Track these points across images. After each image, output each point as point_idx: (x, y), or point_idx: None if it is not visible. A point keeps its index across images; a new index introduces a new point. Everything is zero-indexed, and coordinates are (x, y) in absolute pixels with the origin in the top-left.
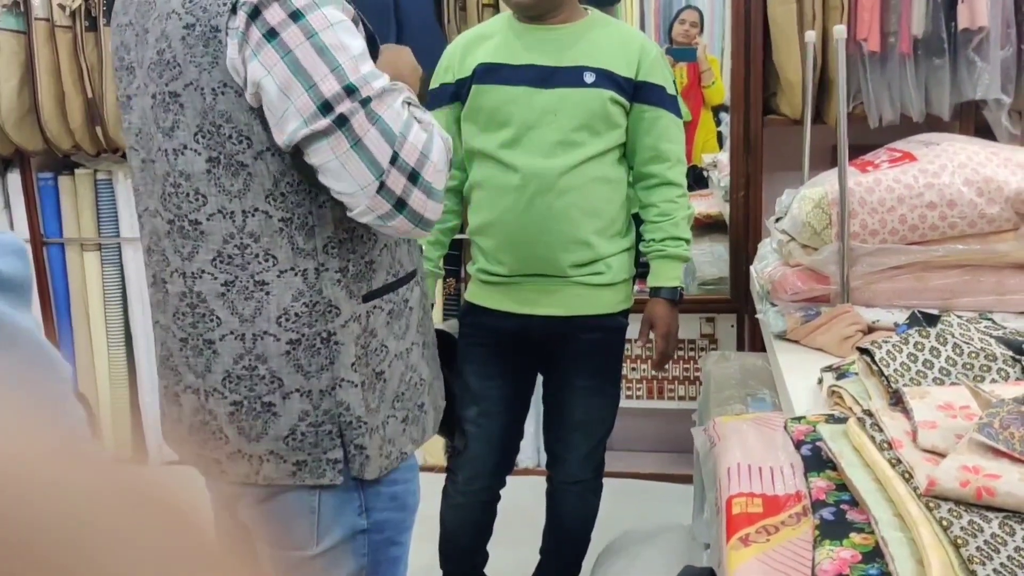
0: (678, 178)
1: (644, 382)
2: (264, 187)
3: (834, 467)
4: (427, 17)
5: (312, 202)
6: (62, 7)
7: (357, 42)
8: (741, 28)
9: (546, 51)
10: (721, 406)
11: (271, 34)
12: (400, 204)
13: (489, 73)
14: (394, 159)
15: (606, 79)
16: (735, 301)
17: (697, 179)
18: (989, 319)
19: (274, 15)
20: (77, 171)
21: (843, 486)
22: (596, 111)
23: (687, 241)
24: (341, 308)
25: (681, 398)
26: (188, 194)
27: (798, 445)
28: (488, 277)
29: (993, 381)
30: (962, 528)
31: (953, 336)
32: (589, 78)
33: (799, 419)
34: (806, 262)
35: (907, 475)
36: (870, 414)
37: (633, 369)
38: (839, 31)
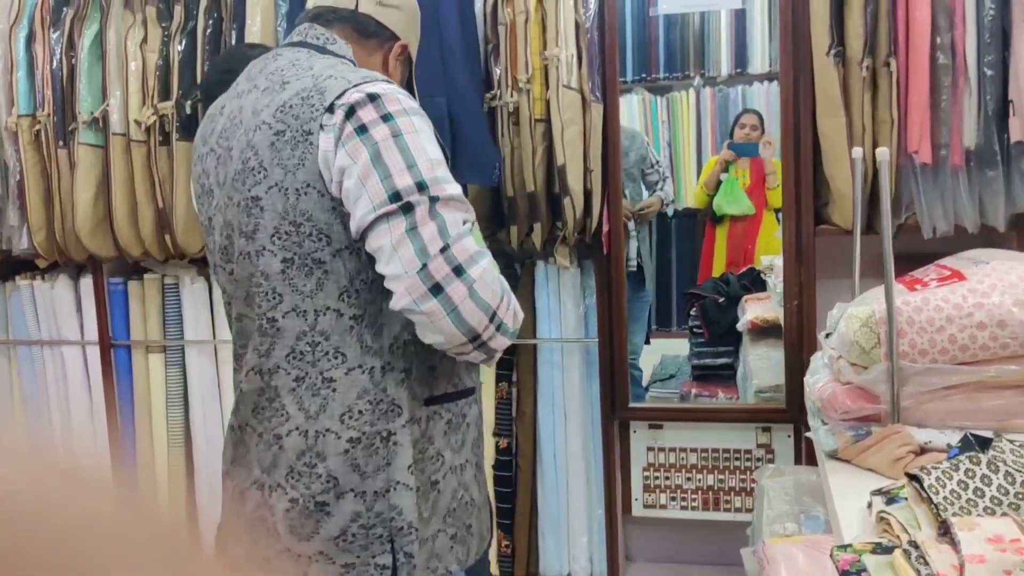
0: None
1: (699, 492)
2: (339, 284)
3: None
4: (481, 131)
5: (383, 300)
6: (138, 123)
7: (436, 150)
8: (790, 138)
9: None
10: (773, 523)
11: (361, 129)
12: (436, 288)
13: None
14: (444, 250)
15: None
16: (791, 411)
17: (754, 281)
18: None
19: (367, 114)
20: (146, 276)
21: None
22: None
23: None
24: (403, 408)
25: (737, 510)
26: (267, 293)
27: (843, 574)
28: None
29: None
30: None
31: (1005, 463)
32: None
33: (845, 547)
34: (856, 380)
35: None
36: (916, 545)
37: (688, 479)
38: (882, 153)
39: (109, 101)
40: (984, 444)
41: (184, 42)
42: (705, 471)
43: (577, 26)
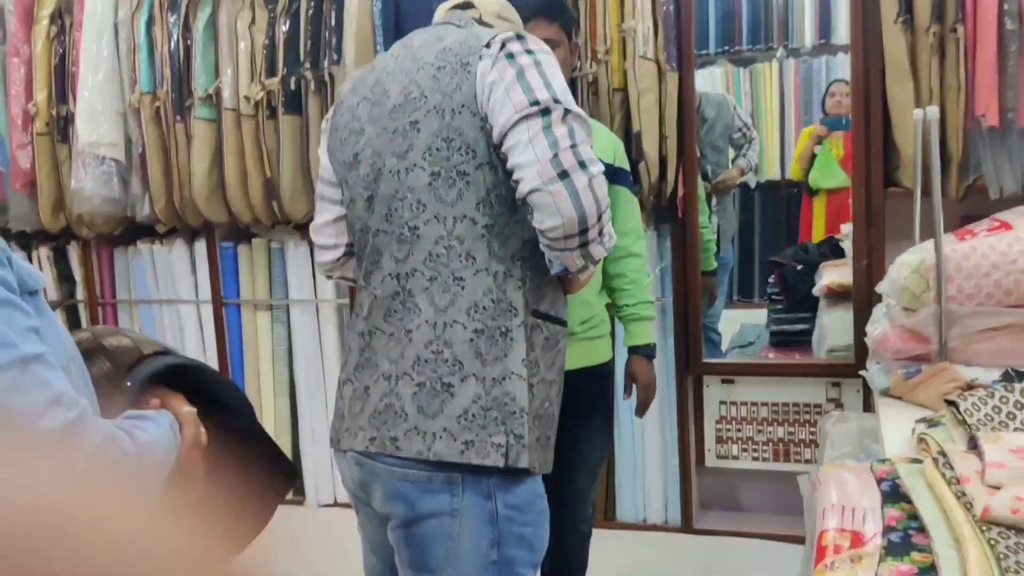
0: (640, 250)
1: (770, 444)
2: (477, 195)
3: (908, 500)
4: None
5: (511, 215)
6: (247, 99)
7: (565, 84)
8: (861, 104)
9: None
10: (834, 461)
11: (509, 55)
12: (564, 174)
13: None
14: (572, 146)
15: None
16: (859, 365)
17: (833, 249)
18: None
19: (515, 47)
20: (254, 240)
21: (914, 516)
22: None
23: (652, 303)
24: (518, 310)
25: (807, 461)
26: (411, 205)
27: (879, 482)
28: None
29: None
30: (1007, 546)
31: None
32: None
33: (884, 461)
34: (907, 323)
35: (968, 505)
36: (944, 454)
37: (759, 431)
38: (931, 112)
39: (221, 79)
40: (1022, 377)
41: (288, 23)
42: (776, 424)
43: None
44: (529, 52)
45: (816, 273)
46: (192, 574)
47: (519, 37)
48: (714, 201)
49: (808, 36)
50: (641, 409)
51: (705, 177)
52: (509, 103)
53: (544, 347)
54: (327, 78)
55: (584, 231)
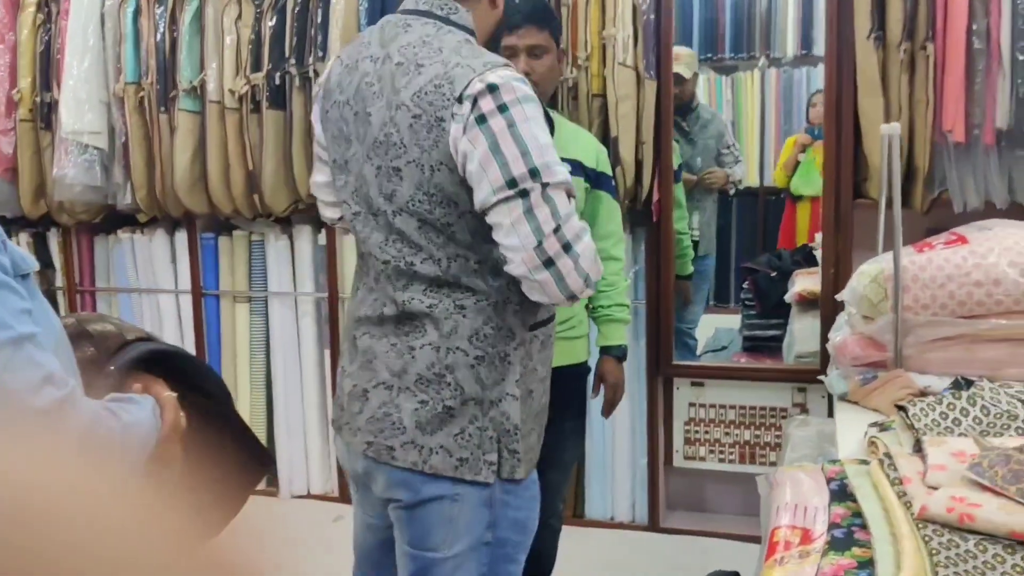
0: (620, 253)
1: (737, 447)
2: (466, 239)
3: (854, 499)
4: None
5: (499, 249)
6: (232, 92)
7: (544, 134)
8: (832, 117)
9: None
10: (793, 464)
11: (481, 119)
12: (549, 262)
13: None
14: (556, 230)
15: (579, 169)
16: (824, 371)
17: (807, 257)
18: None
19: (486, 104)
20: (235, 232)
21: (858, 514)
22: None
23: (628, 307)
24: (515, 333)
25: (772, 463)
26: (406, 243)
27: (829, 481)
28: None
29: (1011, 436)
30: (939, 543)
31: (982, 398)
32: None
33: (835, 462)
34: (865, 331)
35: (908, 504)
36: (889, 456)
37: (727, 434)
38: (892, 128)
39: (206, 71)
40: (970, 385)
41: (274, 18)
42: (743, 427)
43: (634, 8)
44: (502, 110)
45: (789, 280)
46: (175, 552)
47: (491, 89)
48: (696, 198)
49: (790, 46)
50: (607, 409)
51: (691, 170)
52: (486, 179)
53: (540, 350)
54: (312, 74)
55: (572, 297)
